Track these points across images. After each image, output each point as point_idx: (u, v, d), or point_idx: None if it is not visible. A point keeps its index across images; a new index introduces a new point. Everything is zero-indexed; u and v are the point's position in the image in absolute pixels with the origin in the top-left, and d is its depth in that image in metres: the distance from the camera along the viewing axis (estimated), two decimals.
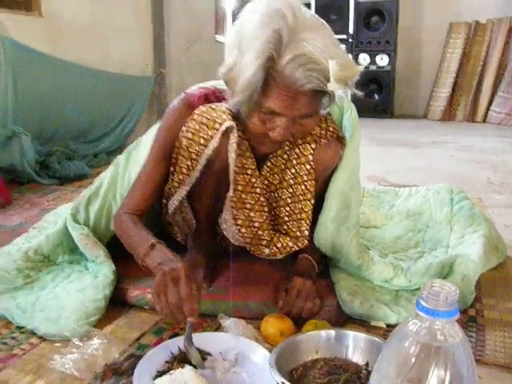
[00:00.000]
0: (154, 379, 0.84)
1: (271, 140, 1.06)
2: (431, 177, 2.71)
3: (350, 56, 1.01)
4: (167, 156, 1.16)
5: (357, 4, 5.56)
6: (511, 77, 5.23)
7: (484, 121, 5.34)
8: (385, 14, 5.48)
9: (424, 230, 1.59)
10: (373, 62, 5.62)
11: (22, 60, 2.77)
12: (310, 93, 0.97)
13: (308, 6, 5.79)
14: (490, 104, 5.33)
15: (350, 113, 1.19)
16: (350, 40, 5.67)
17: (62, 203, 2.08)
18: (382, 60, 5.59)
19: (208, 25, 4.91)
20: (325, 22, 1.01)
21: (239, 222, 1.20)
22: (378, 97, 5.67)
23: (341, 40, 5.66)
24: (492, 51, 5.38)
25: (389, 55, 5.54)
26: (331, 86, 0.93)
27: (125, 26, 3.77)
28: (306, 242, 1.22)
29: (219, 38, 5.20)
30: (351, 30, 5.64)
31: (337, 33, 5.17)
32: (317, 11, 5.72)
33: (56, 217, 1.57)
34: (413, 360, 0.48)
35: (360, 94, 1.03)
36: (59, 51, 3.07)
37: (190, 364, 0.87)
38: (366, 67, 5.65)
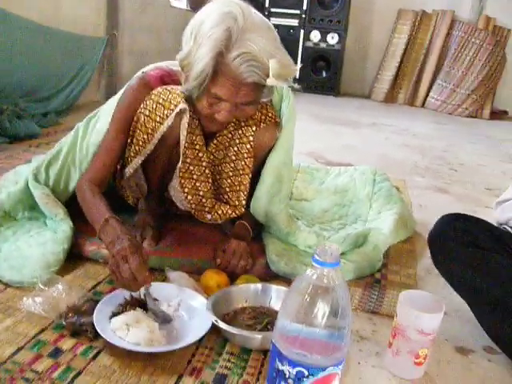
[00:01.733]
0: (111, 318, 1.01)
1: (217, 121, 1.23)
2: (365, 157, 2.92)
3: (289, 57, 1.20)
4: (126, 129, 1.30)
5: None
6: (449, 67, 5.55)
7: (423, 106, 5.66)
8: None
9: (348, 205, 1.81)
10: (323, 39, 5.76)
11: None
12: (252, 84, 1.14)
13: None
14: (429, 91, 5.66)
15: (288, 101, 1.36)
16: (303, 16, 5.78)
17: (14, 162, 2.14)
18: (333, 39, 5.74)
19: None
20: (272, 26, 1.17)
21: (186, 190, 1.36)
22: (326, 74, 5.85)
23: (294, 15, 5.79)
24: (435, 40, 5.67)
25: (339, 34, 5.69)
26: (270, 81, 1.11)
27: None
28: (243, 210, 1.40)
29: (174, 2, 5.19)
30: (305, 6, 5.75)
31: (290, 7, 5.15)
32: None
33: (16, 176, 1.67)
34: (307, 297, 0.68)
35: (297, 87, 1.22)
36: (9, 5, 3.02)
37: (140, 307, 1.05)
38: (316, 44, 5.83)
